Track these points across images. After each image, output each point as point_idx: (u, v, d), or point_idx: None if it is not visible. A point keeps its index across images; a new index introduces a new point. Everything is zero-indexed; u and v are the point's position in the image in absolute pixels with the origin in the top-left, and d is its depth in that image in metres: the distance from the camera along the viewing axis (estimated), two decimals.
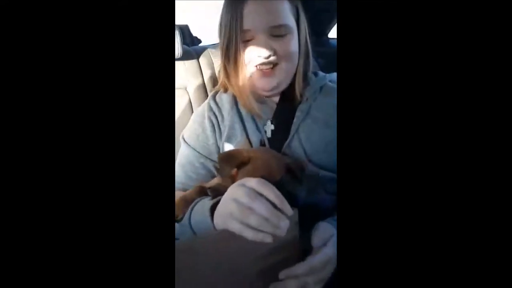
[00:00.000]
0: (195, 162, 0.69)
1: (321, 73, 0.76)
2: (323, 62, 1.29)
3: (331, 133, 0.65)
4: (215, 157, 0.69)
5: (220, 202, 0.50)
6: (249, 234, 0.43)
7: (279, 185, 0.53)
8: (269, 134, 0.67)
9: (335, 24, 1.42)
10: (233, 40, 0.64)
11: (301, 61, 0.69)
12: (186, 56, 1.00)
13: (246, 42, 0.64)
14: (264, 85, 0.67)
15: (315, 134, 0.66)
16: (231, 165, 0.56)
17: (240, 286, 0.45)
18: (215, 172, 0.69)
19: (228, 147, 0.68)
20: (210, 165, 0.69)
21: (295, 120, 0.67)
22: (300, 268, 0.45)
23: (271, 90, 0.68)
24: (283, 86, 0.69)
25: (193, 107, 0.97)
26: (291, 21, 0.65)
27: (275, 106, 0.70)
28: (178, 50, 0.93)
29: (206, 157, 0.69)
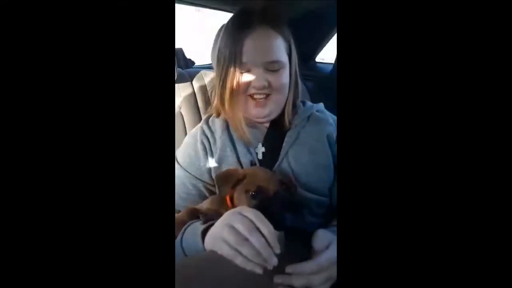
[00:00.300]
0: (187, 183, 0.72)
1: (308, 103, 0.81)
2: (311, 85, 1.34)
3: (318, 158, 0.70)
4: (206, 178, 0.72)
5: (214, 226, 0.52)
6: (239, 261, 0.46)
7: (277, 199, 0.57)
8: (260, 156, 0.71)
9: (322, 49, 1.48)
10: (230, 72, 0.68)
11: (291, 92, 0.74)
12: (180, 79, 1.03)
13: (242, 74, 0.69)
14: (257, 113, 0.72)
15: (303, 159, 0.70)
16: (228, 183, 0.60)
17: None
18: (206, 193, 0.72)
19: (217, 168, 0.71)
20: (201, 186, 0.72)
21: (284, 144, 0.71)
22: (306, 266, 0.48)
23: (264, 118, 0.73)
24: (275, 114, 0.74)
25: (186, 128, 1.00)
26: (284, 57, 0.70)
27: (265, 130, 0.74)
28: (175, 73, 0.97)
29: (198, 178, 0.72)
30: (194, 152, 0.73)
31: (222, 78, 0.70)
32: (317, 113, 0.78)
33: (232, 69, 0.68)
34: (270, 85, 0.69)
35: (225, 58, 0.69)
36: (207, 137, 0.74)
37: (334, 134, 0.74)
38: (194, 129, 0.79)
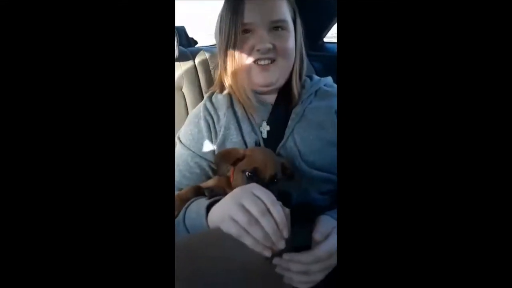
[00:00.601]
0: (190, 161, 0.69)
1: (316, 77, 0.77)
2: (319, 66, 1.30)
3: (325, 135, 0.66)
4: (209, 157, 0.69)
5: (220, 202, 0.50)
6: (249, 242, 0.44)
7: (274, 184, 0.55)
8: (265, 135, 0.68)
9: (331, 28, 1.43)
10: (232, 35, 0.65)
11: (298, 60, 0.71)
12: (182, 58, 1.00)
13: (245, 34, 0.65)
14: (262, 80, 0.68)
15: (309, 136, 0.66)
16: (227, 162, 0.59)
17: (237, 284, 0.46)
18: (210, 172, 0.69)
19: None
20: (205, 164, 0.69)
21: (290, 122, 0.67)
22: (305, 256, 0.47)
23: (269, 85, 0.69)
24: (280, 82, 0.70)
25: (188, 108, 0.97)
26: (289, 18, 0.67)
27: (270, 108, 0.71)
28: (175, 51, 0.93)
29: (201, 157, 0.69)
30: (197, 130, 0.70)
31: (225, 44, 0.67)
32: (325, 87, 0.74)
33: (233, 31, 0.64)
34: (275, 48, 0.65)
35: (227, 23, 0.65)
36: (210, 114, 0.71)
37: None
38: (197, 107, 0.76)
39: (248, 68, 0.67)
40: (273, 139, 0.67)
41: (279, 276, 0.49)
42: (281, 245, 0.44)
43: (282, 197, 0.49)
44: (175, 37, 0.93)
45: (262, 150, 0.62)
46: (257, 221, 0.44)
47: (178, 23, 1.24)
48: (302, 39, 0.72)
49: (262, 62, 0.66)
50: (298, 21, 0.71)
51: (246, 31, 0.65)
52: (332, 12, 1.36)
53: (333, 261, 0.48)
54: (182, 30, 1.26)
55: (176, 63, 0.98)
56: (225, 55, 0.68)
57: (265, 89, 0.70)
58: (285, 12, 0.66)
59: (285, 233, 0.44)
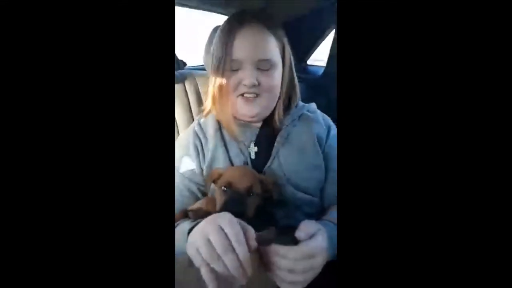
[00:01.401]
0: (180, 184, 0.72)
1: (300, 103, 0.82)
2: (302, 87, 1.35)
3: (307, 159, 0.71)
4: (198, 179, 0.72)
5: (195, 229, 0.51)
6: (206, 277, 0.45)
7: (250, 196, 0.57)
8: (253, 156, 0.71)
9: (313, 51, 1.50)
10: (221, 69, 0.69)
11: (283, 93, 0.74)
12: None
13: (234, 72, 0.69)
14: (247, 111, 0.71)
15: (293, 158, 0.71)
16: (209, 181, 0.65)
17: None
18: (199, 195, 0.72)
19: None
20: (194, 187, 0.72)
21: (275, 144, 0.72)
22: (290, 251, 0.47)
23: (253, 117, 0.72)
24: (264, 114, 0.74)
25: (179, 129, 1.00)
26: (276, 57, 0.70)
27: (257, 130, 0.75)
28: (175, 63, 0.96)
29: (190, 180, 0.72)
30: (186, 153, 0.74)
31: (214, 76, 0.71)
32: (308, 113, 0.78)
33: (223, 66, 0.68)
34: (260, 85, 0.69)
35: (217, 56, 0.69)
36: (199, 138, 0.74)
37: (324, 135, 0.75)
38: (186, 131, 0.80)
39: (234, 101, 0.71)
40: (261, 160, 0.71)
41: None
42: (242, 282, 0.45)
43: (265, 216, 0.51)
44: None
45: (238, 167, 0.67)
46: (219, 257, 0.44)
47: None
48: (293, 70, 0.76)
49: (247, 95, 0.70)
50: (288, 54, 0.74)
51: (234, 66, 0.68)
52: (316, 36, 1.43)
53: (318, 262, 0.49)
54: None
55: None
56: (214, 86, 0.72)
57: (250, 119, 0.74)
58: (272, 50, 0.69)
59: (248, 272, 0.45)
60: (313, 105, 0.83)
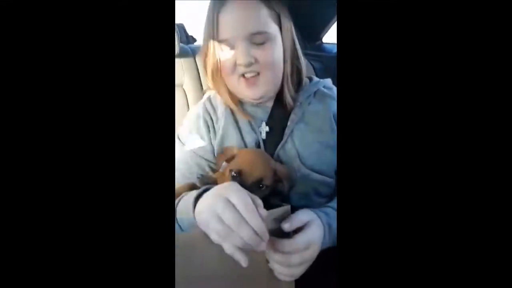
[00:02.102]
0: (190, 161, 0.69)
1: (315, 78, 0.77)
2: (318, 66, 1.31)
3: (323, 138, 0.67)
4: (209, 156, 0.70)
5: (204, 197, 0.49)
6: (227, 248, 0.44)
7: (259, 189, 0.55)
8: (264, 136, 0.68)
9: (329, 29, 1.44)
10: (212, 51, 0.64)
11: (288, 68, 0.68)
12: (182, 54, 1.00)
13: (227, 52, 0.63)
14: (250, 94, 0.67)
15: (308, 138, 0.67)
16: (223, 160, 0.60)
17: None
18: (210, 172, 0.70)
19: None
20: (204, 164, 0.70)
21: (289, 123, 0.68)
22: (283, 245, 0.47)
23: (259, 98, 0.68)
24: (271, 93, 0.69)
25: (189, 104, 0.98)
26: (271, 28, 0.63)
27: (269, 110, 0.71)
28: (175, 48, 0.94)
29: (201, 157, 0.69)
30: (196, 129, 0.71)
31: (208, 60, 0.66)
32: (324, 89, 0.73)
33: (213, 49, 0.63)
34: (258, 61, 0.63)
35: (206, 38, 0.64)
36: (209, 114, 0.71)
37: None
38: (196, 106, 0.77)
39: (235, 84, 0.66)
40: (273, 140, 0.68)
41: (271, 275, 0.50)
42: (262, 247, 0.44)
43: (282, 199, 0.50)
44: (176, 35, 0.94)
45: (255, 152, 0.62)
46: (233, 232, 0.43)
47: (177, 21, 1.24)
48: (293, 43, 0.69)
49: (248, 75, 0.64)
50: (286, 25, 0.66)
51: (226, 46, 0.63)
52: (331, 13, 1.36)
53: (311, 253, 0.49)
54: (182, 27, 1.26)
55: (177, 60, 0.99)
56: (212, 72, 0.67)
57: (257, 101, 0.70)
58: (266, 22, 0.62)
59: (265, 238, 0.43)
60: (328, 81, 0.77)
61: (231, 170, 0.56)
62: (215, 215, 0.44)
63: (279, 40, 0.65)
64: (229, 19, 0.61)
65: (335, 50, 1.40)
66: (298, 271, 0.49)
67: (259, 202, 0.45)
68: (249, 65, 0.62)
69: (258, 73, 0.64)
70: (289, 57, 0.68)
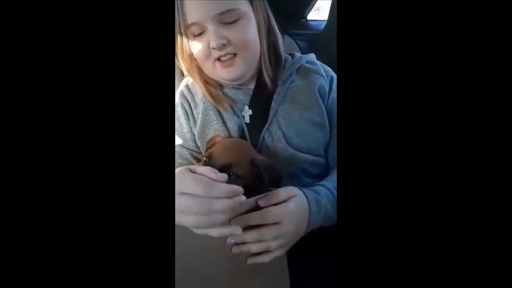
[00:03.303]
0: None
1: (297, 55, 0.73)
2: (304, 45, 1.27)
3: (309, 116, 0.64)
4: (190, 145, 0.67)
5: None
6: (213, 232, 0.43)
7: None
8: (247, 120, 0.65)
9: (313, 6, 1.40)
10: (182, 37, 0.60)
11: (265, 45, 0.64)
12: None
13: (198, 36, 0.59)
14: (227, 76, 0.63)
15: (293, 117, 0.64)
16: (207, 147, 0.59)
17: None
18: (193, 161, 0.67)
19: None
20: (186, 153, 0.67)
21: (272, 103, 0.64)
22: (267, 233, 0.46)
23: (237, 80, 0.65)
24: (250, 73, 0.65)
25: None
26: (242, 4, 0.58)
27: (251, 92, 0.67)
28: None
29: (182, 146, 0.67)
30: (175, 117, 0.67)
31: (179, 46, 0.63)
32: (307, 65, 0.69)
33: (183, 34, 0.59)
34: (231, 42, 0.58)
35: (177, 25, 0.59)
36: (187, 100, 0.68)
37: (327, 86, 0.67)
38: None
39: (211, 67, 0.62)
40: (257, 124, 0.64)
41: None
42: (243, 199, 0.41)
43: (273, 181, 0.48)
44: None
45: (233, 140, 0.60)
46: (209, 198, 0.40)
47: None
48: (269, 20, 0.65)
49: (223, 58, 0.60)
50: (257, 2, 0.62)
51: (196, 30, 0.58)
52: None
53: (284, 229, 0.46)
54: None
55: None
56: (184, 60, 0.64)
57: (235, 83, 0.66)
58: None
59: (240, 190, 0.41)
60: (311, 56, 0.73)
61: (204, 156, 0.54)
62: (181, 194, 0.41)
63: (252, 16, 0.61)
64: (194, 1, 0.56)
65: (320, 27, 1.36)
66: (274, 244, 0.46)
67: (238, 189, 0.42)
68: (222, 47, 0.58)
69: (234, 54, 0.60)
70: (264, 33, 0.63)
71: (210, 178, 0.41)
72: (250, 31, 0.61)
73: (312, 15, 1.45)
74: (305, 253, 0.51)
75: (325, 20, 1.34)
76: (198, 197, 0.40)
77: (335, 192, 0.55)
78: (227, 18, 0.57)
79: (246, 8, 0.59)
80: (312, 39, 1.26)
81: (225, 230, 0.43)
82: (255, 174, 0.51)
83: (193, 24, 0.57)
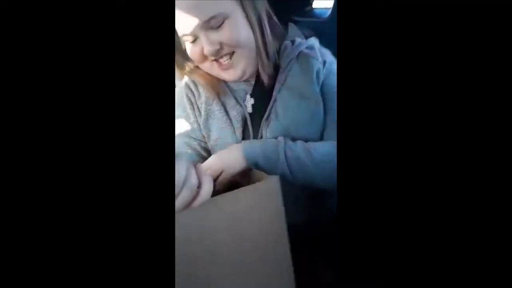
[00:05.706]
0: (180, 142, 0.68)
1: (298, 40, 0.71)
2: (309, 32, 1.25)
3: (307, 104, 0.64)
4: (197, 135, 0.68)
5: None
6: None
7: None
8: (250, 109, 0.65)
9: None
10: (179, 46, 0.62)
11: (260, 40, 0.63)
12: None
13: (194, 43, 0.60)
14: (228, 77, 0.64)
15: (291, 105, 0.64)
16: None
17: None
18: (202, 152, 0.69)
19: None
20: (195, 143, 0.68)
21: (273, 93, 0.65)
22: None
23: (238, 79, 0.64)
24: (250, 70, 0.65)
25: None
26: (224, 6, 0.57)
27: (253, 82, 0.68)
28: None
29: (190, 136, 0.68)
30: (181, 109, 0.69)
31: (180, 54, 0.64)
32: (306, 50, 0.68)
33: (181, 42, 0.61)
34: (225, 45, 0.58)
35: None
36: (191, 90, 0.69)
37: (322, 71, 0.66)
38: (179, 88, 0.74)
39: (210, 67, 0.63)
40: (258, 113, 0.65)
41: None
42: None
43: None
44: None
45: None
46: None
47: None
48: (259, 13, 0.62)
49: (221, 61, 0.61)
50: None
51: (190, 39, 0.59)
52: None
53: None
54: None
55: None
56: (185, 68, 0.66)
57: (237, 82, 0.66)
58: (215, 2, 0.56)
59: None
60: (311, 40, 0.71)
61: None
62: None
63: (239, 13, 0.59)
64: (182, 14, 0.56)
65: (325, 14, 1.33)
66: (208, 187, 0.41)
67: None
68: (216, 52, 0.58)
69: (232, 53, 0.60)
70: (256, 26, 0.62)
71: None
72: (242, 28, 0.60)
73: (317, 3, 1.43)
74: (308, 246, 0.50)
75: (330, 8, 1.32)
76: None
77: (314, 148, 0.58)
78: (214, 23, 0.56)
79: (231, 7, 0.58)
80: (318, 27, 1.23)
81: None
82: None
83: (186, 35, 0.58)
